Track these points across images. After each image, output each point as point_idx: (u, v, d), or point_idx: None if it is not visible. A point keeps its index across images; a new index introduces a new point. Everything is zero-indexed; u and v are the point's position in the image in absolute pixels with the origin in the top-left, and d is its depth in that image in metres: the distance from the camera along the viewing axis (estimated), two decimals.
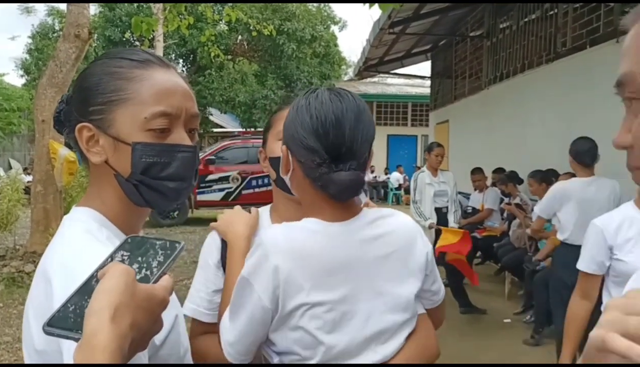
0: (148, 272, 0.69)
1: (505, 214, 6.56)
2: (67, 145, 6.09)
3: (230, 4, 14.69)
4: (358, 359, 1.09)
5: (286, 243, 1.07)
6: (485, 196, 6.96)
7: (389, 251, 1.12)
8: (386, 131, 20.17)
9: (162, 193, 0.91)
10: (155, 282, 0.68)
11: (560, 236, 3.83)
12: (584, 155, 3.65)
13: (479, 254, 6.95)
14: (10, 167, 11.65)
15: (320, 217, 1.10)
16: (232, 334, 1.10)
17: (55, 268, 0.80)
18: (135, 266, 0.68)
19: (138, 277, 0.67)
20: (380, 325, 1.10)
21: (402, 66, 12.47)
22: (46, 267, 0.82)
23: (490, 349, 4.35)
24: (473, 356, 4.01)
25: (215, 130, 31.20)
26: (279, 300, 1.04)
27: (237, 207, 1.37)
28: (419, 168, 6.87)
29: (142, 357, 0.77)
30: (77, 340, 0.61)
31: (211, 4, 14.14)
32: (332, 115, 1.07)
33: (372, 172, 18.38)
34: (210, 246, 1.33)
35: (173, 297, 0.91)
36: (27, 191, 7.96)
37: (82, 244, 0.84)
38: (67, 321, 0.63)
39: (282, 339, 1.09)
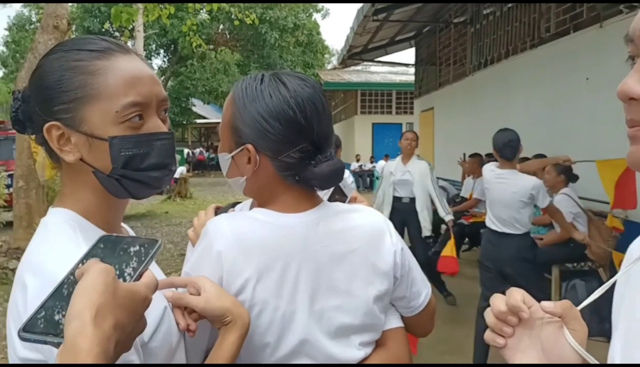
0: (127, 271, 0.67)
1: None
2: None
3: None
4: (305, 362, 1.00)
5: (231, 231, 0.98)
6: (475, 185, 6.98)
7: (350, 247, 1.03)
8: (371, 119, 20.17)
9: (145, 183, 0.89)
10: (136, 280, 0.66)
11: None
12: (503, 148, 3.66)
13: (466, 240, 6.99)
14: None
15: (274, 208, 1.02)
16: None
17: (29, 273, 0.78)
18: (113, 265, 0.65)
19: (121, 275, 0.65)
20: (334, 327, 1.01)
21: (386, 54, 12.42)
22: (22, 272, 0.80)
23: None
24: (460, 342, 4.04)
25: (198, 121, 31.00)
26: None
27: (211, 209, 1.21)
28: (387, 157, 6.78)
29: (134, 357, 0.76)
30: (56, 345, 0.58)
31: None
32: (310, 102, 0.99)
33: (358, 160, 18.40)
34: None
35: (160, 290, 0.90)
36: (9, 186, 7.81)
37: (56, 246, 0.82)
38: (43, 325, 0.60)
39: None
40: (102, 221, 0.90)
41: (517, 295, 0.75)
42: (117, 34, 22.04)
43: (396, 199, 5.38)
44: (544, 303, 0.74)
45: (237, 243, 0.97)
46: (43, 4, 7.47)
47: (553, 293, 4.41)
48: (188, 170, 20.31)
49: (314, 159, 0.99)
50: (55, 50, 0.89)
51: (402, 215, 5.33)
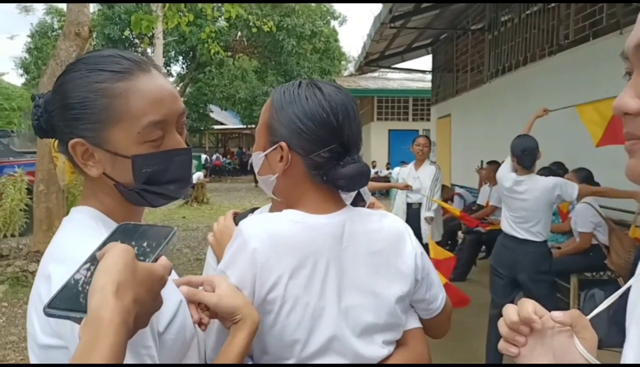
0: (144, 255, 0.71)
1: None
2: None
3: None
4: (333, 358, 1.04)
5: (265, 231, 1.03)
6: (492, 192, 6.93)
7: (374, 249, 1.08)
8: (387, 126, 20.13)
9: (164, 195, 0.95)
10: (153, 262, 0.70)
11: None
12: (522, 156, 3.63)
13: (483, 248, 6.94)
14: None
15: (303, 209, 1.08)
16: (212, 338, 1.02)
17: (53, 263, 0.82)
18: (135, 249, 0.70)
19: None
20: (359, 325, 1.06)
21: (403, 61, 12.42)
22: (45, 264, 0.84)
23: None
24: (474, 350, 4.00)
25: (215, 127, 31.22)
26: (256, 287, 1.00)
27: (229, 215, 1.25)
28: (405, 163, 6.81)
29: (151, 344, 0.79)
30: (79, 320, 0.63)
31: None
32: (343, 107, 1.07)
33: (374, 167, 18.36)
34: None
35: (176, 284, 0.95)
36: (29, 190, 7.95)
37: (78, 237, 0.86)
38: (67, 301, 0.65)
39: (257, 340, 1.02)
40: (122, 221, 0.93)
41: (529, 306, 0.78)
42: (136, 41, 22.35)
43: (408, 206, 5.45)
44: (554, 313, 0.77)
45: (270, 242, 1.02)
46: (65, 11, 7.60)
47: (571, 302, 4.36)
48: (205, 176, 20.46)
49: (342, 160, 1.06)
50: (78, 67, 0.91)
51: (414, 221, 5.33)
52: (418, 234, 5.37)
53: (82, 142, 0.89)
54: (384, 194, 17.53)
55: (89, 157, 0.91)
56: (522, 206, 3.65)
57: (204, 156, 28.77)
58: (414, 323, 1.18)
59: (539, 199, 3.59)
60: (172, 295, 0.89)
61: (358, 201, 1.26)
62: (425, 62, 12.09)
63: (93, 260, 0.68)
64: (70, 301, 0.65)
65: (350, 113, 1.08)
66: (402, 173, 5.73)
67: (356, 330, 1.05)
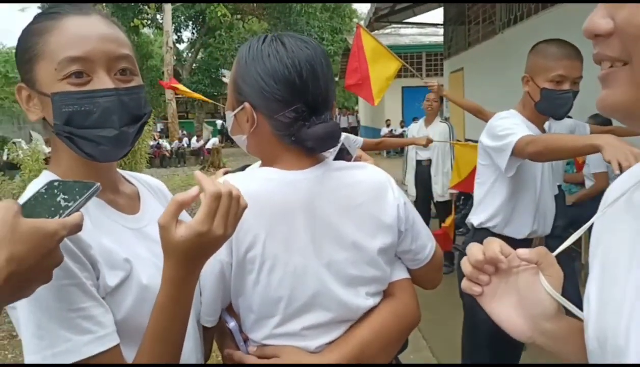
0: (59, 210, 0.70)
1: None
2: None
3: None
4: (319, 313, 1.04)
5: (240, 189, 1.00)
6: None
7: (354, 202, 1.05)
8: (400, 83, 19.79)
9: (96, 142, 0.88)
10: (66, 217, 0.69)
11: None
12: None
13: None
14: (31, 139, 11.80)
15: (278, 166, 1.05)
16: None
17: None
18: (48, 205, 0.70)
19: (49, 214, 0.69)
20: (343, 279, 1.04)
21: (415, 15, 12.12)
22: None
23: None
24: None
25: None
26: (233, 247, 1.00)
27: (220, 173, 1.23)
28: (416, 120, 6.67)
29: (85, 305, 0.79)
30: None
31: None
32: (307, 64, 1.00)
33: (388, 125, 18.21)
34: None
35: (126, 242, 0.93)
36: (47, 161, 8.06)
37: None
38: None
39: (243, 299, 1.05)
40: None
41: (495, 245, 0.77)
42: (145, 7, 22.15)
43: (417, 163, 5.38)
44: (520, 250, 0.76)
45: (246, 199, 1.01)
46: None
47: (583, 252, 4.34)
48: (221, 141, 20.50)
49: (308, 121, 1.01)
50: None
51: (424, 178, 5.31)
52: (429, 191, 5.34)
53: (23, 86, 0.91)
54: (399, 152, 17.45)
55: (33, 102, 0.91)
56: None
57: (219, 122, 28.75)
58: (400, 274, 1.17)
59: None
60: (116, 253, 0.88)
61: (344, 155, 1.24)
62: (437, 15, 11.80)
63: None
64: None
65: (316, 69, 1.01)
66: (411, 130, 5.62)
67: (340, 283, 1.05)
